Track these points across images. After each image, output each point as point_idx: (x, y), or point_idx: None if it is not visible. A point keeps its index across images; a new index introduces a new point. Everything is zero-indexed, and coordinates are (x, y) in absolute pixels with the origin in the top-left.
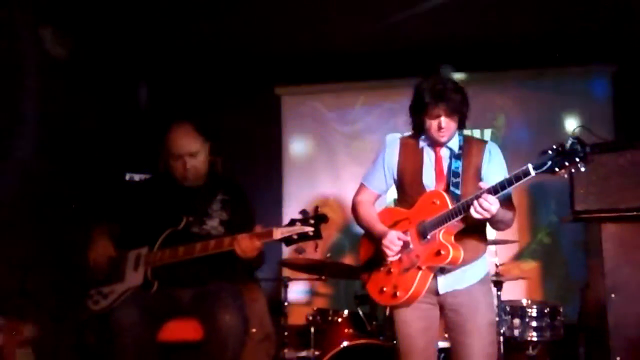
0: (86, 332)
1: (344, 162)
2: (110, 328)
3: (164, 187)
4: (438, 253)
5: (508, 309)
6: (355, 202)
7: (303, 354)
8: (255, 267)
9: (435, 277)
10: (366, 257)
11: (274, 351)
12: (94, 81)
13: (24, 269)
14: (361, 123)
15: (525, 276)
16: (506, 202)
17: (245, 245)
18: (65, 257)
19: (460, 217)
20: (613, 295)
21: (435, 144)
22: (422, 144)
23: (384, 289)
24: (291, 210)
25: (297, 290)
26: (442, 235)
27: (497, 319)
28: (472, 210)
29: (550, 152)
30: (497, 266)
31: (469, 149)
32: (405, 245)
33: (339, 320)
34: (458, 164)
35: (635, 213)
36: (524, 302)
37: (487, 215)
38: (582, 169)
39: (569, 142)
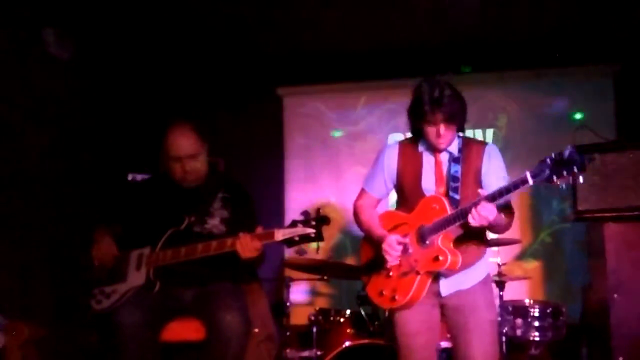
0: (89, 332)
1: (345, 163)
2: (113, 328)
3: (166, 187)
4: (436, 259)
5: (510, 308)
6: (356, 207)
7: (305, 354)
8: (256, 267)
9: (437, 279)
10: (366, 260)
11: (276, 351)
12: (96, 82)
13: (26, 268)
14: (363, 123)
15: (527, 276)
16: (504, 208)
17: (246, 244)
18: (68, 257)
19: (458, 223)
20: (615, 295)
21: (434, 149)
22: (421, 148)
23: (383, 292)
24: (293, 210)
25: (299, 291)
26: (441, 240)
27: (499, 318)
28: (469, 218)
29: (548, 160)
30: (499, 266)
31: (469, 152)
32: (405, 249)
33: (341, 320)
34: (457, 168)
35: (637, 213)
36: (527, 302)
37: (485, 223)
38: (580, 179)
39: (567, 151)
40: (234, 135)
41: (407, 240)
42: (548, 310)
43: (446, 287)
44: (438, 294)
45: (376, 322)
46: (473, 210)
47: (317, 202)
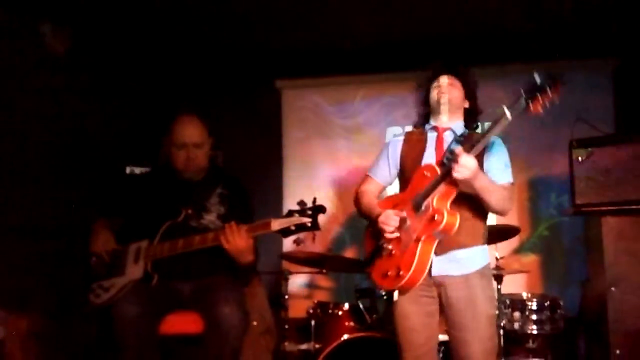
0: (88, 325)
1: (344, 156)
2: (112, 321)
3: (164, 180)
4: (432, 218)
5: (508, 302)
6: (358, 192)
7: (303, 347)
8: (245, 263)
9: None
10: (369, 250)
11: (274, 344)
12: (95, 75)
13: (25, 261)
14: (361, 116)
15: (525, 270)
16: (501, 185)
17: (233, 238)
18: (67, 250)
19: (445, 180)
20: (613, 289)
21: (439, 128)
22: (426, 130)
23: (388, 272)
24: (291, 203)
25: (297, 284)
26: (436, 202)
27: (497, 312)
28: (453, 172)
29: (521, 91)
30: (497, 259)
31: (471, 137)
32: (402, 222)
33: (340, 313)
34: (457, 146)
35: (635, 206)
36: (524, 295)
37: (468, 173)
38: (555, 99)
39: (537, 75)
40: (233, 127)
41: (403, 213)
42: (546, 304)
43: (438, 267)
44: (435, 282)
45: (374, 316)
46: (453, 164)
47: (315, 194)
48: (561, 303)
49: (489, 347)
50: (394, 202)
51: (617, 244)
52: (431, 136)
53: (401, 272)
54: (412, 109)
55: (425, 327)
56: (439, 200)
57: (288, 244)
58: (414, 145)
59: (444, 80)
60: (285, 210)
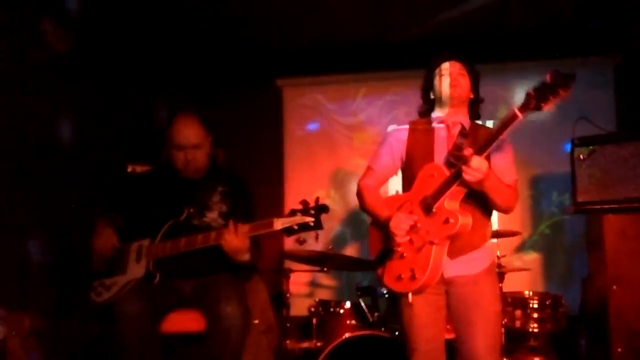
0: (90, 324)
1: (345, 154)
2: (114, 320)
3: (166, 179)
4: (447, 221)
5: (510, 300)
6: (360, 187)
7: (305, 345)
8: (249, 262)
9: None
10: (377, 250)
11: (276, 342)
12: (95, 73)
13: (27, 259)
14: (362, 115)
15: (527, 267)
16: (508, 183)
17: (229, 236)
18: (69, 248)
19: (456, 182)
20: (614, 287)
21: (447, 122)
22: (434, 124)
23: (401, 275)
24: (292, 201)
25: (299, 282)
26: (447, 203)
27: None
28: (464, 174)
29: (532, 92)
30: (499, 257)
31: (476, 132)
32: (413, 225)
33: (341, 311)
34: (462, 141)
35: (637, 205)
36: (526, 293)
37: (479, 175)
38: (565, 98)
39: (549, 75)
40: (234, 126)
41: (414, 217)
42: (547, 302)
43: (450, 269)
44: (444, 280)
45: (376, 314)
46: (464, 166)
47: (317, 193)
48: (563, 301)
49: (494, 343)
50: (399, 203)
51: (619, 242)
52: (439, 130)
53: (416, 275)
54: (414, 107)
55: (434, 322)
56: (450, 202)
57: (289, 242)
58: (420, 138)
59: (455, 68)
60: (286, 208)
